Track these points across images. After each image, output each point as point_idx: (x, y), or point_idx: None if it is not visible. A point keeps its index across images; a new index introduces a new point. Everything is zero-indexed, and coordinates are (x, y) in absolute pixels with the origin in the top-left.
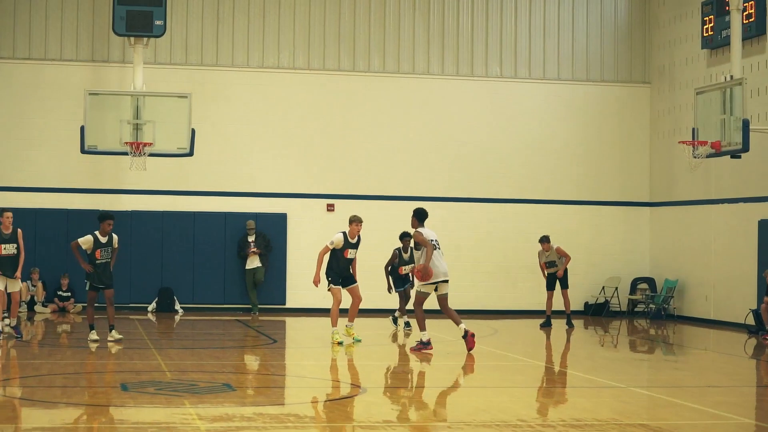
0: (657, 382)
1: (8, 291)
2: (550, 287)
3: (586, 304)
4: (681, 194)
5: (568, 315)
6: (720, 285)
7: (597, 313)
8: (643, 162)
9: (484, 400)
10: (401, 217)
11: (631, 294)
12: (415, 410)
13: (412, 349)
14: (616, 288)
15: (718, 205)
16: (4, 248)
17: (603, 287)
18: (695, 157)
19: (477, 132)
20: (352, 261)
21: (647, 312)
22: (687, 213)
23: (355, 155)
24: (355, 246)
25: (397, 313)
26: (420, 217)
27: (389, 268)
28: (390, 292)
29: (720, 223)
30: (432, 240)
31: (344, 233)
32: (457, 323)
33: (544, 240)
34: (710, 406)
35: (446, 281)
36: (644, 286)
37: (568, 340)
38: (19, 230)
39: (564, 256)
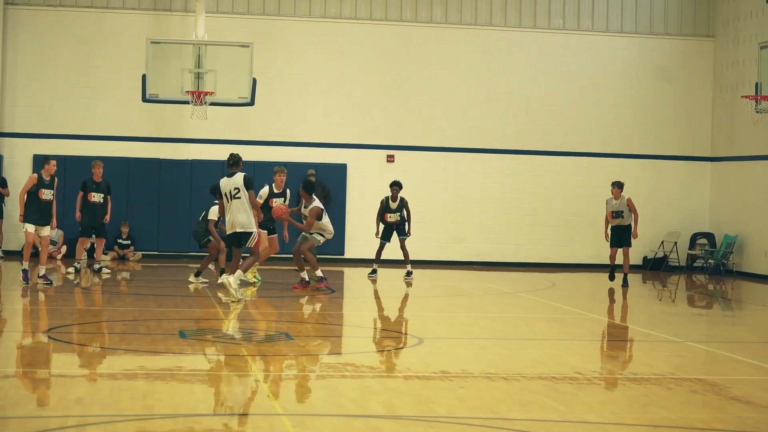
0: (715, 337)
1: (40, 235)
2: (615, 243)
3: (644, 258)
4: (743, 149)
5: (625, 274)
6: None
7: (656, 267)
8: (705, 116)
9: (541, 353)
10: (461, 168)
11: (690, 249)
12: (472, 361)
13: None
14: (675, 243)
15: None
16: (44, 193)
17: (662, 242)
18: (758, 112)
19: (538, 84)
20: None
21: (706, 267)
22: (748, 168)
23: (415, 106)
24: (281, 195)
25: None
26: (309, 189)
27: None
28: (377, 237)
29: None
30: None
31: (270, 185)
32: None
33: (617, 185)
34: (767, 362)
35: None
36: (704, 241)
37: (625, 296)
38: (56, 178)
39: (633, 211)
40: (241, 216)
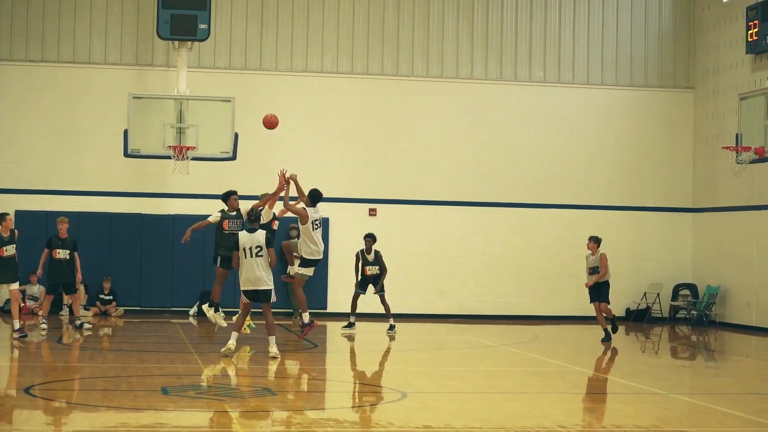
0: (698, 388)
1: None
2: (593, 298)
3: (627, 310)
4: (724, 200)
5: (612, 320)
6: (763, 291)
7: (638, 319)
8: (686, 167)
9: (525, 406)
10: (442, 221)
11: (672, 300)
12: (455, 416)
13: (300, 336)
14: (658, 294)
15: (761, 211)
16: (5, 250)
17: (645, 293)
18: (739, 163)
19: (520, 137)
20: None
21: (689, 318)
22: (730, 219)
23: (397, 160)
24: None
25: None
26: (313, 198)
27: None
28: (357, 288)
29: (763, 229)
30: (316, 219)
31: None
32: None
33: (593, 240)
34: (752, 413)
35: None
36: (686, 292)
37: (609, 347)
38: (16, 231)
39: (603, 266)
40: (261, 273)
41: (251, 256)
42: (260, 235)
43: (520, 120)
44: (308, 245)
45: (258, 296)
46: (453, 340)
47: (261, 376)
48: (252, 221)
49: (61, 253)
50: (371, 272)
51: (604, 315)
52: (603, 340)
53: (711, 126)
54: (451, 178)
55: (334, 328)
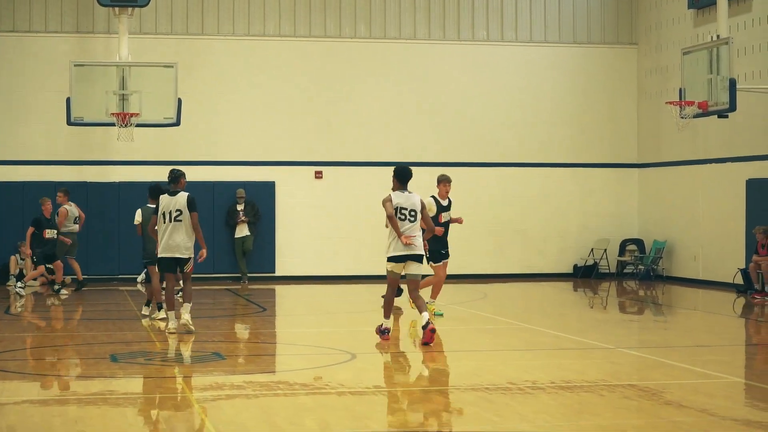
0: (646, 342)
1: None
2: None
3: (575, 266)
4: (669, 155)
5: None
6: (708, 245)
7: (586, 275)
8: (630, 123)
9: (475, 364)
10: (389, 183)
11: (620, 256)
12: (405, 375)
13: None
14: (605, 250)
15: (706, 165)
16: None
17: (592, 249)
18: (682, 118)
19: (464, 96)
20: None
21: (636, 273)
22: (675, 174)
23: (342, 122)
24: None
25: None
26: (401, 177)
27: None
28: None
29: (708, 183)
30: (404, 208)
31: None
32: (421, 311)
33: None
34: (699, 366)
35: (415, 258)
36: (633, 247)
37: (559, 303)
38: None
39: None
40: (180, 239)
41: (170, 221)
42: (182, 198)
43: (465, 80)
44: None
45: (178, 263)
46: (403, 300)
47: (210, 341)
48: (171, 182)
49: (50, 233)
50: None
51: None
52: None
53: (654, 81)
54: (397, 138)
55: (283, 292)
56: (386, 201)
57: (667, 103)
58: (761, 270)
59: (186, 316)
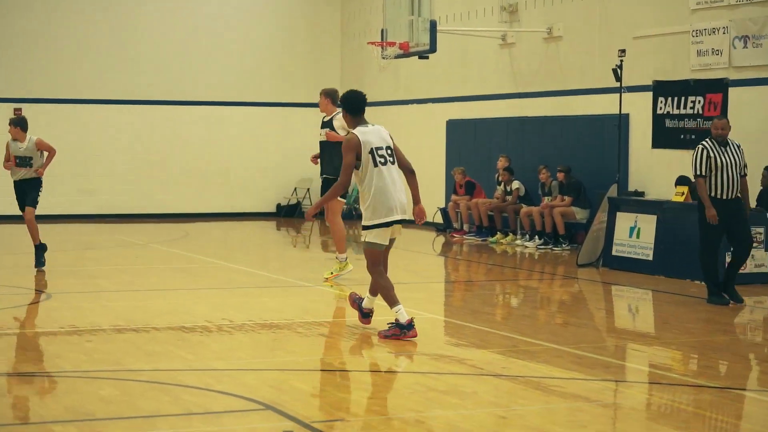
0: (347, 280)
1: None
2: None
3: (278, 205)
4: (372, 95)
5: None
6: (421, 182)
7: (289, 214)
8: (334, 63)
9: (171, 303)
10: (90, 121)
11: (322, 194)
12: (101, 315)
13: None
14: (308, 189)
15: (407, 105)
16: None
17: (295, 188)
18: (384, 58)
19: (167, 33)
20: None
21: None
22: (378, 114)
23: (41, 56)
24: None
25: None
26: (358, 106)
27: None
28: None
29: (410, 124)
30: (378, 148)
31: None
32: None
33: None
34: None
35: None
36: None
37: (261, 242)
38: None
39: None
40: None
41: None
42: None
43: (166, 17)
44: None
45: None
46: (101, 240)
47: None
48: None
49: None
50: None
51: None
52: None
53: (358, 22)
54: (99, 74)
55: None
56: (350, 146)
57: (369, 43)
58: (459, 209)
59: None
